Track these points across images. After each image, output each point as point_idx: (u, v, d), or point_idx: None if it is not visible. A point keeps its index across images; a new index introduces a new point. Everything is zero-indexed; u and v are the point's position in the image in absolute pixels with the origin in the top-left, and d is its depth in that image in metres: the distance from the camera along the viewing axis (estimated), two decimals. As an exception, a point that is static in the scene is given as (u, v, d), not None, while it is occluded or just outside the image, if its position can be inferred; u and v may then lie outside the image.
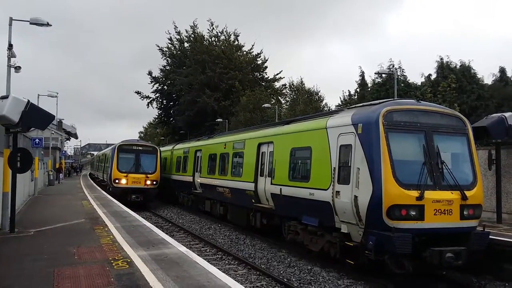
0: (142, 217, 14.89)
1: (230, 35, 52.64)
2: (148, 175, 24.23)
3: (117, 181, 23.68)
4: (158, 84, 55.79)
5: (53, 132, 44.48)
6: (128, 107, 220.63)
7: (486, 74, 58.21)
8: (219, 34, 53.01)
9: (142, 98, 56.53)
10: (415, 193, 9.87)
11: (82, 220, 13.48)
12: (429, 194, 9.96)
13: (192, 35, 53.38)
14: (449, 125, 10.93)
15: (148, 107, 57.26)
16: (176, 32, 54.21)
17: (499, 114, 13.99)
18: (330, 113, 13.69)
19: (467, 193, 10.24)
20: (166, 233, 11.71)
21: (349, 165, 10.88)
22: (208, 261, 8.16)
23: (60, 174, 41.98)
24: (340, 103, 42.94)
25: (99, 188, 31.69)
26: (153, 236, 10.60)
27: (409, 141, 10.62)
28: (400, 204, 9.80)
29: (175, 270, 7.15)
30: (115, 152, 24.34)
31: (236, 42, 52.33)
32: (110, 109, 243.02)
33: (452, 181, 10.26)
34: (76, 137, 77.50)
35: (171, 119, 57.19)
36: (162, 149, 31.49)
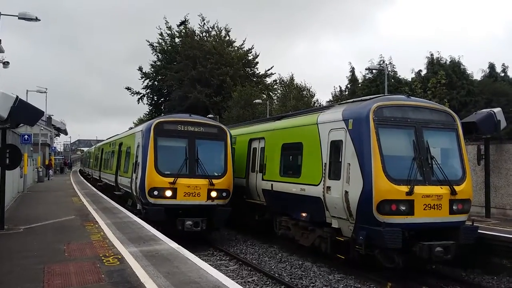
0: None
1: (221, 30, 52.49)
2: (214, 180, 13.72)
3: (156, 192, 13.18)
4: (148, 80, 55.47)
5: (42, 128, 44.01)
6: (120, 104, 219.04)
7: (476, 70, 58.67)
8: (210, 29, 52.85)
9: (132, 94, 56.24)
10: (405, 188, 9.95)
11: (72, 217, 13.39)
12: (419, 189, 10.04)
13: (183, 31, 53.10)
14: (439, 121, 11.02)
15: (138, 103, 57.00)
16: (167, 27, 53.92)
17: (488, 110, 14.13)
18: (321, 108, 13.75)
19: (456, 188, 10.34)
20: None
21: (340, 160, 10.92)
22: (200, 257, 8.13)
23: (50, 170, 41.62)
24: (331, 99, 43.11)
25: (89, 184, 31.51)
26: (144, 233, 10.56)
27: (399, 136, 10.69)
28: (390, 199, 9.87)
29: (166, 266, 7.14)
30: (151, 137, 13.72)
31: (227, 38, 52.17)
32: (101, 105, 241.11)
33: (442, 176, 10.35)
34: (66, 133, 76.92)
35: (162, 115, 56.91)
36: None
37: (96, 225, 11.67)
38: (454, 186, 10.33)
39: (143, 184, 13.61)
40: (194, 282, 6.20)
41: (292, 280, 10.94)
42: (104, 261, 7.60)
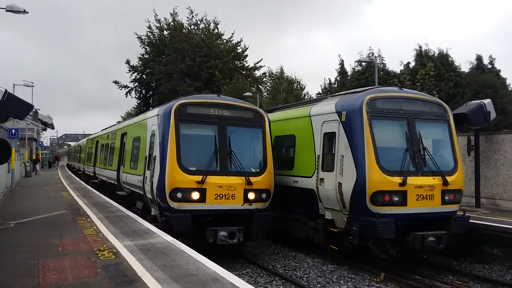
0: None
1: (210, 23, 52.03)
2: (251, 179, 11.09)
3: (179, 195, 10.54)
4: (136, 73, 54.91)
5: (29, 122, 43.41)
6: (107, 98, 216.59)
7: (463, 62, 59.18)
8: (199, 22, 52.37)
9: (120, 88, 55.59)
10: (398, 179, 10.04)
11: (63, 212, 13.24)
12: (412, 180, 10.15)
13: (172, 23, 52.61)
14: (431, 112, 11.11)
15: (126, 97, 56.41)
16: (156, 20, 53.35)
17: (478, 101, 14.28)
18: (314, 101, 13.75)
19: (448, 179, 10.47)
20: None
21: (333, 152, 10.97)
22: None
23: (37, 165, 41.14)
24: (321, 91, 43.21)
25: (77, 178, 31.19)
26: (138, 226, 10.49)
27: (392, 128, 10.77)
28: (383, 190, 9.97)
29: (162, 260, 7.10)
30: (171, 123, 10.97)
31: (216, 31, 51.80)
32: (88, 100, 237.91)
33: (434, 167, 10.46)
34: (53, 128, 75.90)
35: (151, 108, 56.47)
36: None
37: (88, 219, 11.55)
38: (446, 177, 10.45)
39: (163, 184, 10.64)
40: (191, 275, 6.18)
41: (286, 271, 11.01)
42: (99, 255, 7.54)
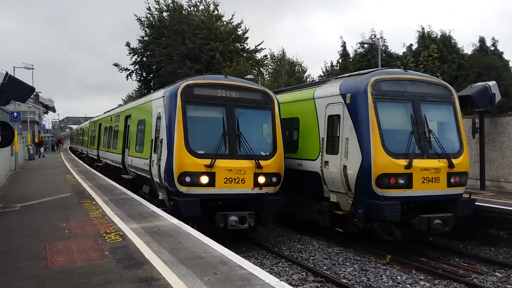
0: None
1: (209, 4, 51.41)
2: (261, 162, 10.82)
3: (188, 179, 10.35)
4: (137, 55, 54.46)
5: (30, 105, 43.32)
6: (108, 80, 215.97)
7: (466, 44, 58.63)
8: (198, 3, 51.74)
9: (121, 71, 55.18)
10: (403, 162, 10.00)
11: (68, 194, 13.25)
12: (417, 163, 10.11)
13: (171, 4, 51.97)
14: (436, 94, 11.01)
15: (127, 80, 56.07)
16: (155, 1, 52.68)
17: (483, 83, 14.16)
18: (317, 83, 13.64)
19: (454, 161, 10.43)
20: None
21: (338, 135, 10.92)
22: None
23: (41, 148, 41.15)
24: (322, 74, 42.87)
25: (81, 161, 31.23)
26: (143, 209, 10.49)
27: (397, 110, 10.69)
28: (389, 173, 9.94)
29: (169, 242, 7.11)
30: (178, 104, 10.72)
31: (216, 12, 51.19)
32: (90, 83, 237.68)
33: (439, 150, 10.42)
34: (54, 111, 75.73)
35: (152, 91, 56.17)
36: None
37: (93, 202, 11.56)
38: (451, 159, 10.41)
39: (171, 167, 10.42)
40: (199, 257, 6.19)
41: (292, 253, 11.06)
42: (106, 238, 7.55)
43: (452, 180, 10.46)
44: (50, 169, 24.09)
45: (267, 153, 11.18)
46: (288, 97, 13.78)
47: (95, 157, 26.00)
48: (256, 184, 10.78)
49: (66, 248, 6.97)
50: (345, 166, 10.48)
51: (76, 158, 36.03)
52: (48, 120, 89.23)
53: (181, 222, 8.80)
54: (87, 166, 25.94)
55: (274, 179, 11.06)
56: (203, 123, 11.15)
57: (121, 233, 7.85)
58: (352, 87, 10.69)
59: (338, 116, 10.89)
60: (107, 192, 13.72)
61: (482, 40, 35.93)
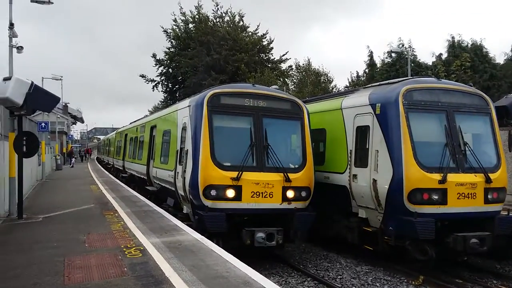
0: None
1: (235, 15, 51.61)
2: (290, 175, 10.31)
3: (213, 192, 9.93)
4: (162, 67, 55.08)
5: (59, 116, 44.28)
6: (135, 92, 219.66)
7: (498, 53, 56.94)
8: (224, 14, 52.05)
9: (147, 82, 55.80)
10: (437, 176, 9.47)
11: (91, 206, 13.19)
12: (452, 177, 9.55)
13: (197, 16, 52.48)
14: (471, 104, 10.45)
15: (153, 91, 56.69)
16: (181, 13, 53.32)
17: (521, 93, 13.46)
18: (345, 93, 13.23)
19: (491, 176, 9.82)
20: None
21: (367, 147, 10.46)
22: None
23: (73, 158, 41.82)
24: (348, 84, 42.31)
25: (106, 172, 31.49)
26: (165, 222, 10.26)
27: (430, 121, 10.18)
28: (422, 187, 9.41)
29: (190, 259, 6.81)
30: (204, 114, 10.33)
31: (241, 23, 51.36)
32: (116, 94, 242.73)
33: (476, 164, 9.83)
34: (82, 121, 77.47)
35: (177, 102, 56.57)
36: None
37: (116, 214, 11.42)
38: (488, 174, 9.80)
39: (196, 180, 9.97)
40: (221, 277, 5.86)
41: (318, 272, 10.59)
42: (126, 252, 7.31)
43: (489, 196, 9.84)
44: (75, 179, 24.31)
45: (296, 166, 10.66)
46: (314, 107, 13.38)
47: (120, 168, 26.04)
48: (285, 198, 10.21)
49: (84, 263, 6.77)
50: (375, 180, 10.00)
51: (102, 169, 36.42)
52: (77, 130, 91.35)
53: (203, 237, 8.50)
54: (112, 177, 26.08)
55: (303, 193, 10.51)
56: (230, 133, 10.75)
57: (141, 248, 7.60)
58: (382, 97, 10.24)
59: (368, 127, 10.44)
60: (130, 203, 13.58)
61: (515, 49, 34.70)
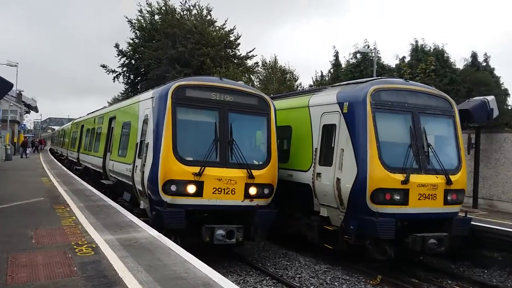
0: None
1: (203, 9, 50.81)
2: (254, 172, 10.07)
3: (174, 188, 9.56)
4: (125, 58, 53.48)
5: (11, 104, 42.07)
6: (94, 82, 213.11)
7: (458, 58, 58.89)
8: (191, 8, 51.11)
9: (108, 72, 54.03)
10: (400, 177, 9.48)
11: (41, 199, 12.42)
12: (415, 178, 9.60)
13: (164, 7, 51.26)
14: (437, 107, 10.56)
15: (114, 82, 54.99)
16: (147, 3, 51.91)
17: (481, 98, 13.81)
18: (313, 91, 13.11)
19: (452, 178, 9.94)
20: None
21: (332, 146, 10.36)
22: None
23: (28, 148, 39.83)
24: (312, 83, 42.58)
25: (59, 164, 30.18)
26: (121, 218, 9.74)
27: (396, 122, 10.20)
28: (385, 188, 9.39)
29: (147, 258, 6.41)
30: (168, 107, 9.89)
31: (209, 17, 50.60)
32: (75, 84, 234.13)
33: (438, 165, 9.92)
34: (37, 111, 74.20)
35: (139, 94, 55.12)
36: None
37: (68, 209, 10.78)
38: (449, 176, 9.91)
39: (155, 175, 9.58)
40: (180, 278, 5.51)
41: (277, 270, 10.41)
42: (77, 250, 6.81)
43: (449, 198, 9.97)
44: (26, 171, 23.07)
45: (261, 162, 10.39)
46: (281, 104, 13.17)
47: (75, 160, 24.94)
48: (247, 195, 9.96)
49: (30, 261, 6.23)
50: (338, 179, 9.91)
51: (55, 160, 34.92)
52: (30, 120, 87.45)
53: (160, 234, 8.08)
54: (66, 169, 24.96)
55: (266, 191, 10.26)
56: (194, 127, 10.34)
57: (93, 246, 7.11)
58: (350, 96, 10.15)
59: (334, 125, 10.33)
60: (83, 197, 12.91)
61: (474, 56, 36.07)
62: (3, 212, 10.28)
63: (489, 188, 14.20)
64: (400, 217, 9.51)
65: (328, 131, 10.59)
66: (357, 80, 11.61)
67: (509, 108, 33.11)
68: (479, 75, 32.21)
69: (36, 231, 8.18)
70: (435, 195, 9.76)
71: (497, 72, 35.85)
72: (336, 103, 10.39)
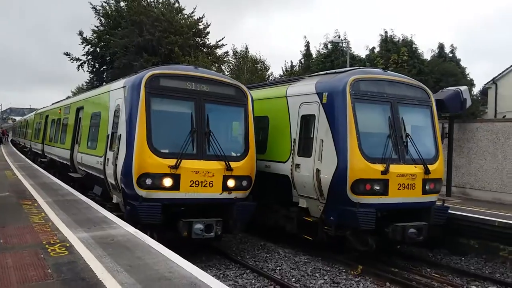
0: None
1: (171, -4, 49.63)
2: (232, 164, 9.86)
3: (149, 181, 9.18)
4: (90, 46, 51.70)
5: (-31, 93, 39.93)
6: (57, 71, 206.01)
7: (425, 50, 60.12)
8: (159, -6, 49.81)
9: (71, 61, 52.10)
10: (380, 167, 9.46)
11: (5, 194, 11.73)
12: (394, 168, 9.60)
13: (129, -6, 49.70)
14: (414, 97, 10.58)
15: (78, 70, 53.12)
16: (112, -11, 50.19)
17: (454, 88, 14.00)
18: (290, 80, 12.90)
19: (430, 167, 10.01)
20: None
21: (311, 136, 10.22)
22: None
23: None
24: (282, 73, 42.42)
25: (23, 156, 28.93)
26: (93, 214, 9.27)
27: (375, 112, 10.15)
28: (365, 178, 9.34)
29: (126, 257, 6.06)
30: (141, 96, 9.49)
31: (177, 5, 49.49)
32: (37, 73, 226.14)
33: (416, 155, 9.96)
34: (-4, 100, 70.91)
35: (104, 84, 53.52)
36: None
37: (35, 204, 10.20)
38: (427, 165, 9.97)
39: (129, 167, 9.20)
40: (164, 278, 5.21)
41: (257, 263, 10.25)
42: (49, 250, 6.38)
43: (427, 187, 10.04)
44: (-13, 164, 21.95)
45: (238, 154, 10.15)
46: (257, 94, 12.90)
47: (39, 152, 23.76)
48: (225, 188, 9.71)
49: (0, 263, 5.78)
50: (318, 170, 9.79)
51: (18, 152, 33.47)
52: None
53: (138, 231, 7.71)
54: (30, 162, 23.90)
55: (244, 183, 10.02)
56: (169, 118, 9.97)
57: (67, 245, 6.68)
58: (330, 86, 10.01)
59: (313, 116, 10.18)
60: (51, 192, 12.28)
61: (441, 47, 36.75)
62: (-36, 209, 9.62)
63: (462, 176, 14.49)
64: (380, 207, 9.51)
65: (307, 121, 10.44)
66: (335, 70, 11.49)
67: (475, 98, 33.99)
68: (446, 65, 32.90)
69: (3, 229, 7.64)
70: (414, 185, 9.79)
71: (463, 63, 36.94)
72: (315, 93, 10.23)
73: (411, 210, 10.04)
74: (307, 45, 39.28)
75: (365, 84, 9.92)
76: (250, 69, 35.45)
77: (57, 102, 23.63)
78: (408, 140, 9.98)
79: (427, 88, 10.94)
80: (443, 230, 10.80)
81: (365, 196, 9.37)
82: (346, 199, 9.36)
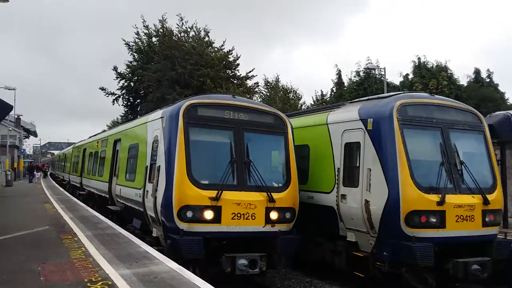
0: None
1: (200, 31, 50.76)
2: (274, 195, 9.37)
3: (189, 214, 8.83)
4: (124, 80, 53.18)
5: (10, 129, 41.42)
6: (93, 106, 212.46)
7: (460, 75, 58.99)
8: (189, 29, 51.03)
9: (107, 95, 53.55)
10: (435, 198, 8.80)
11: (46, 227, 11.66)
12: (450, 199, 8.91)
13: (161, 30, 51.20)
14: (465, 122, 9.96)
15: (113, 104, 54.52)
16: (144, 26, 51.84)
17: (504, 112, 13.31)
18: (330, 107, 12.47)
19: (489, 197, 9.27)
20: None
21: (357, 165, 9.69)
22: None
23: (37, 173, 38.96)
24: (313, 102, 42.20)
25: (61, 189, 29.36)
26: (134, 248, 8.98)
27: (425, 138, 9.58)
28: (420, 209, 8.70)
29: (172, 297, 5.68)
30: (180, 127, 9.25)
31: (207, 39, 50.54)
32: (74, 108, 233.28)
33: (473, 184, 9.26)
34: (36, 135, 73.44)
35: (139, 117, 54.57)
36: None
37: (75, 238, 10.03)
38: (486, 195, 9.24)
39: (170, 200, 8.89)
40: (216, 322, 4.76)
41: (304, 301, 9.62)
42: (92, 288, 6.07)
43: (487, 219, 9.28)
44: (27, 197, 22.30)
45: (280, 185, 9.74)
46: (295, 122, 12.57)
47: (77, 185, 24.09)
48: (268, 220, 9.26)
49: (40, 304, 5.48)
50: (367, 201, 9.21)
51: (57, 185, 34.09)
52: (29, 145, 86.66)
53: (181, 267, 7.34)
54: (69, 195, 24.15)
55: (288, 215, 9.54)
56: (208, 148, 9.80)
57: (109, 283, 6.37)
58: (375, 112, 9.55)
59: (358, 143, 9.70)
60: (90, 225, 12.14)
61: (477, 72, 35.78)
62: (7, 244, 9.53)
63: (516, 206, 13.50)
64: (437, 241, 8.79)
65: (352, 149, 9.95)
66: (377, 96, 11.04)
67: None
68: (484, 90, 31.89)
69: (44, 265, 7.43)
70: (472, 217, 9.07)
71: (501, 88, 35.73)
72: (359, 120, 9.79)
73: (471, 244, 9.26)
74: (339, 74, 39.04)
75: (412, 109, 9.42)
76: (282, 99, 35.36)
77: (94, 135, 23.98)
78: (463, 167, 9.33)
79: (478, 113, 10.31)
80: (507, 265, 9.90)
81: (420, 229, 8.70)
82: (400, 233, 8.71)
